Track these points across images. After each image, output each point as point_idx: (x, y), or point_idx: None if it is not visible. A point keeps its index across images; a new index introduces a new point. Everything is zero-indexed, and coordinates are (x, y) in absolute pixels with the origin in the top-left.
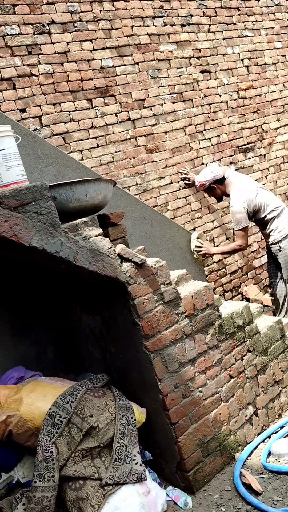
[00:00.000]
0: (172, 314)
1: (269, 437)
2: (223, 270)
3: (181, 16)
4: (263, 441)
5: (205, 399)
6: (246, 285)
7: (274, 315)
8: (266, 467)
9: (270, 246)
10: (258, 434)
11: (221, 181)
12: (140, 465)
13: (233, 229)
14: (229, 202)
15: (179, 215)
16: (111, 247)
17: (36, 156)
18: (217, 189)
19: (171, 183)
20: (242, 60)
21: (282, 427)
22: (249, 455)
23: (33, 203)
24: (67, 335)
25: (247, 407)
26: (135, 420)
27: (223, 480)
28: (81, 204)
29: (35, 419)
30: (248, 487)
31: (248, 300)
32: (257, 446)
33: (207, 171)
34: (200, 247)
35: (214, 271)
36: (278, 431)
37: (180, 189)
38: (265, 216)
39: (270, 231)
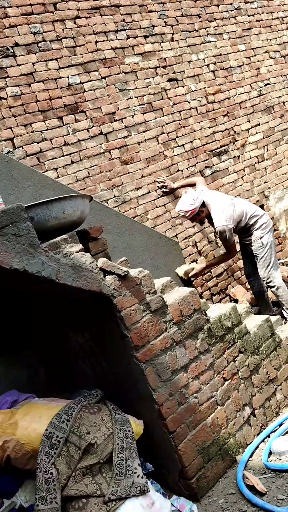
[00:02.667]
0: (160, 322)
1: (268, 436)
2: (209, 273)
3: (144, 28)
4: (263, 440)
5: (201, 405)
6: (233, 287)
7: (259, 313)
8: (268, 467)
9: (252, 243)
10: (258, 434)
11: (204, 204)
12: (142, 477)
13: (222, 245)
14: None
15: (159, 223)
16: (92, 262)
17: (11, 178)
18: (203, 212)
19: (149, 192)
20: (207, 65)
21: (280, 424)
22: (250, 456)
23: (10, 225)
24: (58, 355)
25: (244, 408)
26: (133, 432)
27: (226, 484)
28: (59, 222)
29: (32, 441)
30: (252, 488)
31: (236, 301)
32: (257, 447)
33: (189, 198)
34: (192, 275)
35: (200, 276)
36: (277, 429)
37: (158, 198)
38: (247, 223)
39: (252, 231)
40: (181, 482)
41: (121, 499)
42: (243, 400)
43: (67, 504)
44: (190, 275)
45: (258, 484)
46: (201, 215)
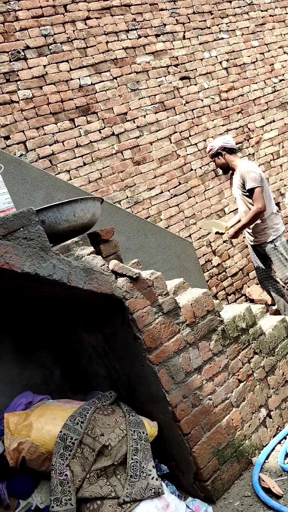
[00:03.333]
0: (172, 324)
1: (285, 437)
2: (224, 273)
3: (155, 27)
4: (279, 442)
5: (216, 406)
6: (249, 286)
7: (278, 313)
8: (284, 469)
9: (262, 245)
10: (274, 436)
11: (231, 151)
12: (156, 479)
13: (246, 193)
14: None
15: (173, 224)
16: (104, 264)
17: (23, 181)
18: (224, 156)
19: (162, 192)
20: (220, 62)
21: None
22: (267, 458)
23: (21, 229)
24: (72, 356)
25: (259, 410)
26: (147, 434)
27: (242, 486)
28: (70, 224)
29: (46, 443)
30: (268, 491)
31: (252, 301)
32: (273, 448)
33: (219, 138)
34: (221, 233)
35: (215, 276)
36: None
37: (171, 198)
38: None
39: (265, 228)
40: (196, 484)
41: (136, 501)
42: (258, 402)
43: (82, 506)
44: (229, 234)
45: (274, 487)
46: (220, 157)
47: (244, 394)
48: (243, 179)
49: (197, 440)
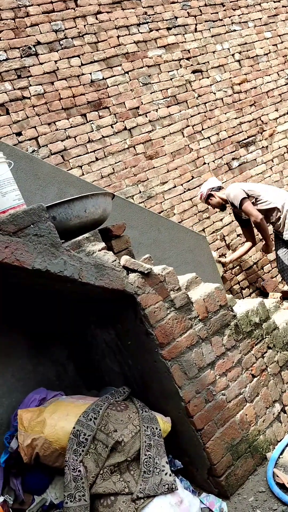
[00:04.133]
0: (185, 319)
1: None
2: (238, 267)
3: (166, 20)
4: None
5: (229, 402)
6: (263, 280)
7: None
8: None
9: (284, 234)
10: None
11: (219, 189)
12: (170, 475)
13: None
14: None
15: (186, 218)
16: (115, 260)
17: (35, 177)
18: (215, 195)
19: (175, 186)
20: (233, 55)
21: None
22: (281, 454)
23: (31, 226)
24: (86, 352)
25: (273, 405)
26: (160, 430)
27: (256, 482)
28: (81, 220)
29: (60, 439)
30: (282, 486)
31: (267, 294)
32: None
33: (204, 184)
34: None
35: (229, 270)
36: None
37: (184, 192)
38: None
39: (284, 220)
40: (210, 479)
41: (149, 497)
42: (272, 397)
43: (96, 502)
44: (221, 261)
45: None
46: (213, 198)
47: (257, 389)
48: (232, 204)
49: (211, 436)
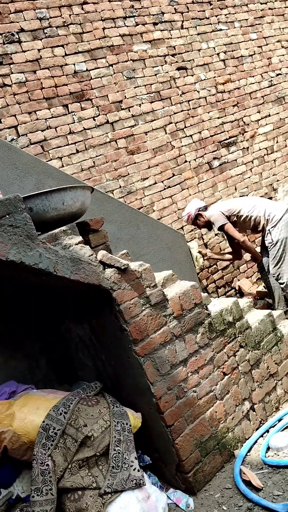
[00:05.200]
0: (160, 316)
1: (267, 431)
2: (214, 266)
3: (153, 15)
4: (261, 435)
5: (200, 399)
6: (239, 280)
7: (269, 307)
8: (265, 462)
9: (265, 239)
10: (257, 429)
11: (205, 209)
12: (138, 470)
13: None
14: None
15: (165, 215)
16: (92, 254)
17: (14, 166)
18: (203, 216)
19: (155, 183)
20: (218, 54)
21: (280, 420)
22: (249, 451)
23: (7, 216)
24: (59, 346)
25: (243, 403)
26: (130, 426)
27: (223, 479)
28: (59, 213)
29: (29, 433)
30: (248, 483)
31: (242, 294)
32: (256, 442)
33: (189, 205)
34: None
35: (206, 268)
36: (276, 424)
37: (164, 189)
38: (251, 215)
39: (265, 227)
40: (178, 475)
41: (117, 492)
42: (242, 395)
43: (63, 496)
44: (202, 252)
45: (254, 479)
46: (200, 218)
47: (228, 387)
48: (213, 225)
49: (180, 432)
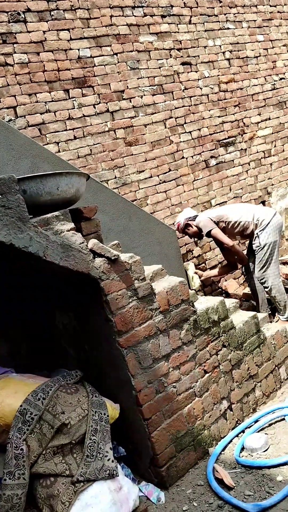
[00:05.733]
0: (146, 310)
1: (243, 431)
2: (203, 265)
3: (162, 7)
4: (237, 435)
5: (179, 394)
6: (226, 280)
7: (254, 309)
8: (239, 462)
9: (252, 242)
10: (232, 429)
11: (195, 218)
12: (112, 461)
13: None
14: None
15: (158, 210)
16: (83, 242)
17: (9, 147)
18: (192, 225)
19: (151, 177)
20: (223, 52)
21: (256, 421)
22: (223, 450)
23: (0, 196)
24: (42, 333)
25: (221, 402)
26: (108, 416)
27: (196, 475)
28: (53, 198)
29: (5, 416)
30: (220, 482)
31: (228, 294)
32: (231, 441)
33: (180, 214)
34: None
35: (194, 266)
36: (252, 425)
37: (160, 183)
38: (239, 220)
39: (254, 231)
40: (152, 469)
41: (89, 481)
42: (221, 394)
43: (35, 481)
44: (200, 276)
45: (227, 478)
46: (190, 228)
47: (208, 385)
48: (203, 232)
49: (157, 426)
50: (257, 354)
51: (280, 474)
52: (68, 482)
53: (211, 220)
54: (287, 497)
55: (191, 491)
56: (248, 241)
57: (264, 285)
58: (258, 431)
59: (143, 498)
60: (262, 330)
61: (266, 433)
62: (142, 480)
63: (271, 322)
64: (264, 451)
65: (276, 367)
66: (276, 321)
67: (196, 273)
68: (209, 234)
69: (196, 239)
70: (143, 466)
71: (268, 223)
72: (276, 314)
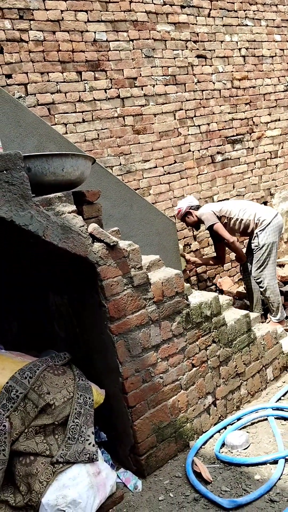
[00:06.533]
0: (140, 298)
1: (225, 428)
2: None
3: None
4: (218, 431)
5: (165, 386)
6: (221, 277)
7: (246, 308)
8: (218, 457)
9: (251, 241)
10: (215, 424)
11: (197, 208)
12: (93, 445)
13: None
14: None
15: (160, 201)
16: (83, 226)
17: (17, 124)
18: (193, 214)
19: (156, 167)
20: (239, 49)
21: (238, 419)
22: (204, 444)
23: (4, 172)
24: (34, 313)
25: (206, 397)
26: (92, 400)
27: (175, 467)
28: (57, 178)
29: None
30: (198, 475)
31: (222, 291)
32: (212, 436)
33: (183, 200)
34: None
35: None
36: (234, 422)
37: (164, 174)
38: (241, 217)
39: (254, 230)
40: (131, 456)
41: (69, 463)
42: (207, 389)
43: (15, 459)
44: (186, 257)
45: (205, 472)
46: (189, 216)
47: (194, 379)
48: (205, 225)
49: (141, 415)
50: (246, 353)
51: (258, 473)
52: (47, 462)
53: (214, 214)
54: (263, 496)
55: (168, 482)
56: (247, 239)
57: (260, 285)
58: (240, 429)
59: (120, 484)
60: (253, 330)
61: (247, 432)
62: (121, 467)
63: (262, 322)
64: (244, 449)
65: (264, 368)
66: (268, 322)
67: (182, 255)
68: (210, 228)
69: (193, 228)
70: (123, 453)
71: (269, 223)
72: (268, 315)
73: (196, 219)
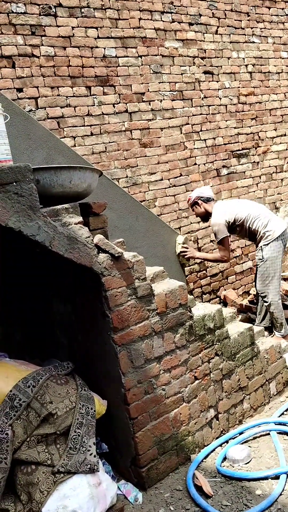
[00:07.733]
0: (143, 309)
1: (227, 442)
2: (204, 272)
3: (190, 15)
4: (220, 445)
5: (167, 398)
6: (225, 289)
7: (250, 321)
8: (219, 471)
9: (256, 253)
10: (217, 438)
11: (207, 200)
12: (94, 456)
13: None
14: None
15: (165, 213)
16: (89, 237)
17: (27, 137)
18: (201, 205)
19: (162, 179)
20: (246, 65)
21: (241, 433)
22: (205, 458)
23: (14, 183)
24: (37, 321)
25: (208, 410)
26: (94, 411)
27: (176, 480)
28: (64, 190)
29: None
30: (199, 489)
31: (226, 304)
32: (214, 450)
33: (196, 189)
34: (186, 251)
35: (195, 272)
36: (236, 437)
37: (169, 187)
38: (251, 225)
39: (258, 240)
40: (132, 468)
41: (70, 473)
42: (209, 402)
43: (16, 468)
44: (185, 254)
45: (206, 486)
46: (198, 206)
47: (197, 392)
48: (213, 232)
49: (142, 426)
50: (249, 367)
51: (259, 488)
52: (48, 471)
53: (227, 225)
54: None
55: (169, 494)
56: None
57: (264, 299)
58: (242, 443)
59: (120, 496)
60: (257, 343)
61: (249, 446)
62: (122, 479)
63: (269, 335)
64: (246, 463)
65: (267, 382)
66: (272, 336)
67: (183, 246)
68: (220, 241)
69: (200, 220)
70: (124, 465)
71: (276, 238)
72: (273, 329)
73: (203, 211)
